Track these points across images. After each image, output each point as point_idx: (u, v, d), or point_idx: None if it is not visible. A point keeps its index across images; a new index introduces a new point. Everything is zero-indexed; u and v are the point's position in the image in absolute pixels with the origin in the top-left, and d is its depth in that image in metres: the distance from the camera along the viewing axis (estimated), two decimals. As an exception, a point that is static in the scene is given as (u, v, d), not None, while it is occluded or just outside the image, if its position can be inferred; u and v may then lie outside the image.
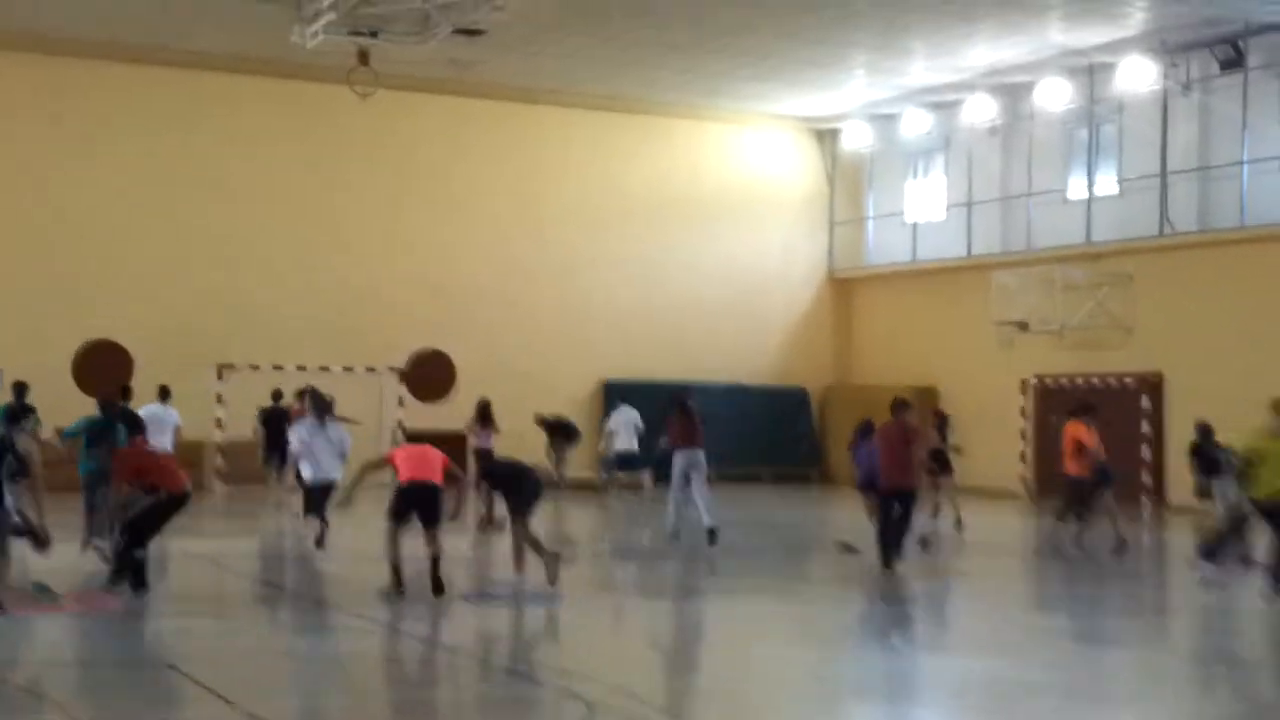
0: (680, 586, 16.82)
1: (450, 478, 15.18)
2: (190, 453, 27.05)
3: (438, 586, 14.37)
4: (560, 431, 28.18)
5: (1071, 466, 19.14)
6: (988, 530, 23.07)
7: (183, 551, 18.56)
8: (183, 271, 29.33)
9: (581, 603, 14.61)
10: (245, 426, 25.32)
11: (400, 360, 28.82)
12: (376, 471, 15.37)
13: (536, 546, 15.41)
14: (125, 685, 10.78)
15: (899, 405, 17.60)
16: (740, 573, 17.83)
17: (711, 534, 19.29)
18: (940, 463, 21.41)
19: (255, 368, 27.96)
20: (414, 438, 16.46)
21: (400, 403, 29.18)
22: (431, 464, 15.00)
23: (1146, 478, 27.71)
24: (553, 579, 14.92)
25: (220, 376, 27.80)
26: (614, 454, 27.29)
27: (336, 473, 18.29)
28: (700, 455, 20.01)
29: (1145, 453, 27.85)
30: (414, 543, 14.55)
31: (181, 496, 14.58)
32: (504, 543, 16.75)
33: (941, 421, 22.78)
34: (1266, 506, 15.01)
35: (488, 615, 14.01)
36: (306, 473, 18.41)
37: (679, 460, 19.90)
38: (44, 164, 28.62)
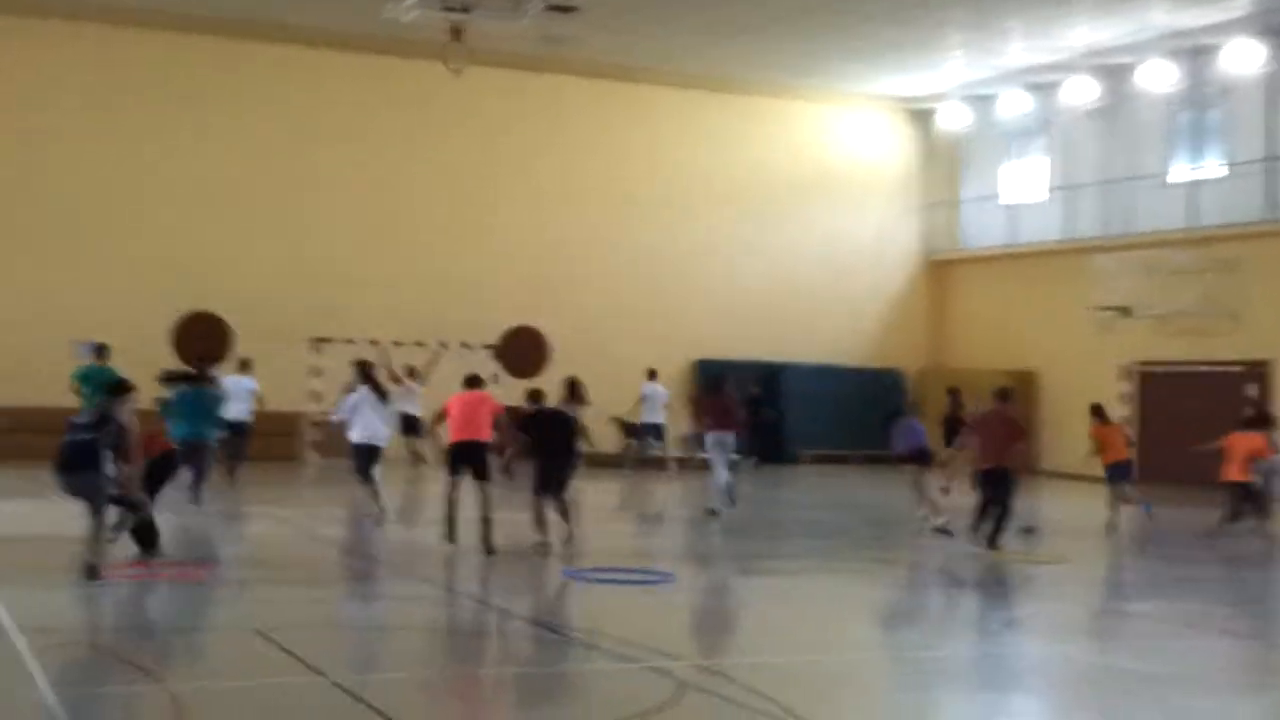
0: (767, 564, 16.61)
1: (500, 427, 15.63)
2: (285, 425, 27.41)
3: (488, 548, 14.95)
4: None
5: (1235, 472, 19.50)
6: (1086, 516, 22.61)
7: (274, 518, 18.66)
8: (279, 245, 29.54)
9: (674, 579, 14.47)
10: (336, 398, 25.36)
11: (494, 337, 28.80)
12: (441, 423, 16.07)
13: (565, 513, 15.96)
14: (213, 652, 10.81)
15: (1003, 393, 18.10)
16: (834, 554, 17.60)
17: (710, 513, 19.97)
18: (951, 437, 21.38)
19: (350, 342, 28.04)
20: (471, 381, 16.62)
21: (495, 379, 29.11)
22: (480, 419, 15.57)
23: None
24: (567, 541, 15.71)
25: (316, 350, 27.97)
26: (641, 423, 28.32)
27: (381, 438, 18.48)
28: (730, 438, 20.53)
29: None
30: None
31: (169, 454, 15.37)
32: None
33: (955, 398, 23.20)
34: None
35: (580, 590, 13.89)
36: (354, 434, 18.40)
37: (711, 440, 20.46)
38: (142, 137, 28.91)
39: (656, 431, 28.57)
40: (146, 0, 27.65)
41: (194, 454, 17.95)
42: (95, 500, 12.88)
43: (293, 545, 16.88)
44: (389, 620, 12.29)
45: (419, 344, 28.58)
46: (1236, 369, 27.70)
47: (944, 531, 18.35)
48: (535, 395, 16.76)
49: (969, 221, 35.09)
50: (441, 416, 16.31)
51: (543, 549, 15.45)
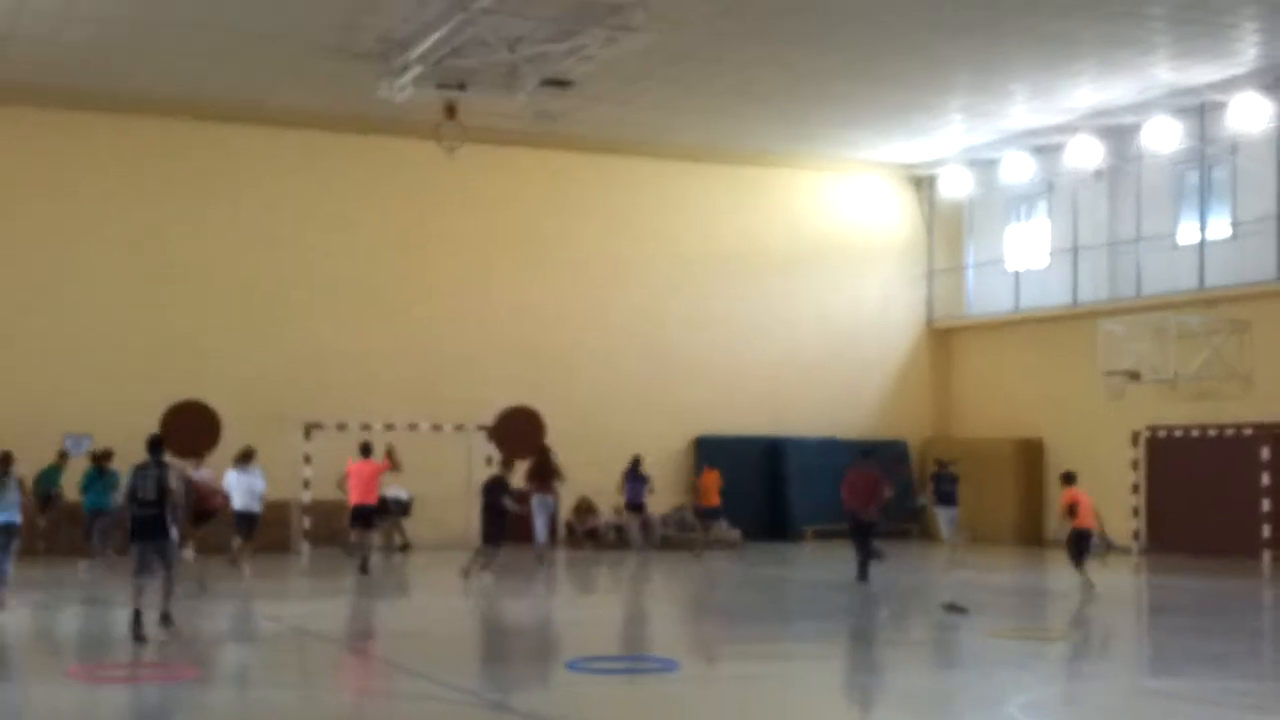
0: (772, 647, 16.02)
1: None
2: (276, 513, 26.80)
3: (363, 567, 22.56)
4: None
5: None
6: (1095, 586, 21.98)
7: (265, 615, 18.07)
8: (269, 330, 29.07)
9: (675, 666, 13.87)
10: (331, 487, 24.86)
11: (489, 417, 28.27)
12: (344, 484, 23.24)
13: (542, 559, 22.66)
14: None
15: (865, 453, 23.44)
16: (842, 636, 17.01)
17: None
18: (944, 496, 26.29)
19: (342, 427, 27.57)
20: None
21: (488, 461, 28.63)
22: (373, 484, 23.00)
23: (1267, 530, 26.51)
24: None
25: (307, 436, 27.40)
26: (703, 508, 28.55)
27: (255, 506, 22.41)
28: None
29: (1265, 505, 26.64)
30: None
31: None
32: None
33: (941, 466, 26.94)
34: None
35: (581, 682, 13.27)
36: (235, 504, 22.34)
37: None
38: (130, 224, 28.53)
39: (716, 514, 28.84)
40: (135, 86, 27.26)
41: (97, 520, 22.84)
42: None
43: (280, 640, 16.27)
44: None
45: (412, 426, 28.17)
46: (1248, 432, 27.13)
47: (959, 609, 17.79)
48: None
49: (973, 288, 34.65)
50: (345, 479, 23.14)
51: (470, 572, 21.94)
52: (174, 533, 15.74)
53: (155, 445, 16.18)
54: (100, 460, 23.40)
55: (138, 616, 15.05)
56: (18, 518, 18.13)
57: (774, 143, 32.05)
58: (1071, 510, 21.28)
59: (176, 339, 28.34)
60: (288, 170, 29.62)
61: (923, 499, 28.56)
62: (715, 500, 27.93)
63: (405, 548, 27.72)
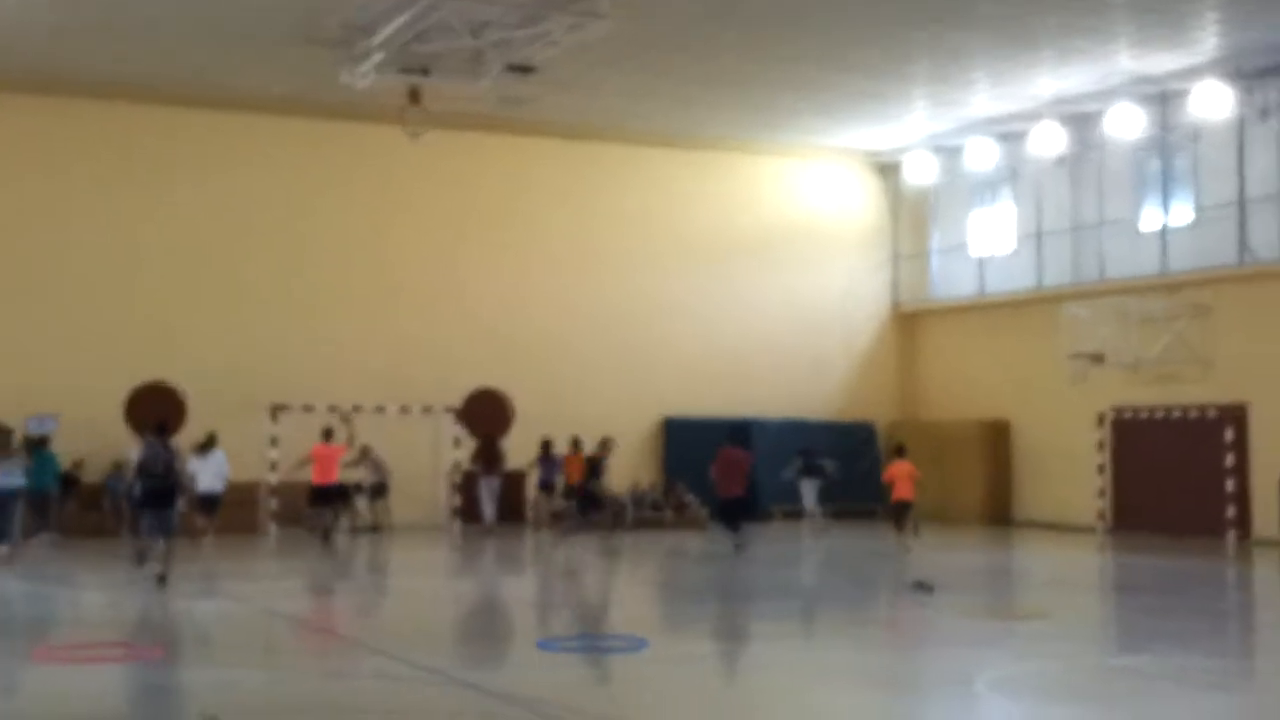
0: (738, 630, 16.09)
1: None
2: (244, 494, 26.79)
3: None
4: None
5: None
6: (1061, 567, 22.20)
7: (232, 596, 18.05)
8: (235, 313, 28.95)
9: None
10: (297, 468, 25.03)
11: (457, 400, 28.29)
12: (306, 465, 24.69)
13: None
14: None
15: (733, 433, 24.93)
16: (810, 616, 17.10)
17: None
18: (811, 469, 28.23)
19: (309, 409, 27.52)
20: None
21: (456, 443, 28.71)
22: (334, 466, 24.61)
23: (1231, 510, 26.79)
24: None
25: (274, 418, 27.34)
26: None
27: (218, 486, 24.15)
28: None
29: (1229, 485, 26.91)
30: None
31: None
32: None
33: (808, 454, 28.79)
34: None
35: (552, 661, 13.32)
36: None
37: None
38: (94, 208, 28.35)
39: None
40: (98, 71, 27.09)
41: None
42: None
43: (248, 621, 16.27)
44: (346, 701, 11.66)
45: (379, 409, 28.19)
46: (1212, 414, 27.39)
47: (926, 588, 17.93)
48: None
49: (938, 273, 34.82)
50: (307, 461, 24.55)
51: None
52: (179, 503, 18.70)
53: (161, 428, 19.22)
54: (39, 444, 24.19)
55: (141, 556, 18.92)
56: (20, 482, 21.23)
57: (740, 129, 32.10)
58: (892, 483, 24.05)
59: (143, 322, 28.20)
60: (252, 156, 29.47)
61: (788, 472, 29.38)
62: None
63: (375, 529, 27.68)
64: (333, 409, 27.32)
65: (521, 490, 29.28)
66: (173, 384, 25.31)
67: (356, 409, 27.64)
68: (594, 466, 25.28)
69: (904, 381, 35.07)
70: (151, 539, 18.64)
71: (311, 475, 24.75)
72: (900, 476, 24.16)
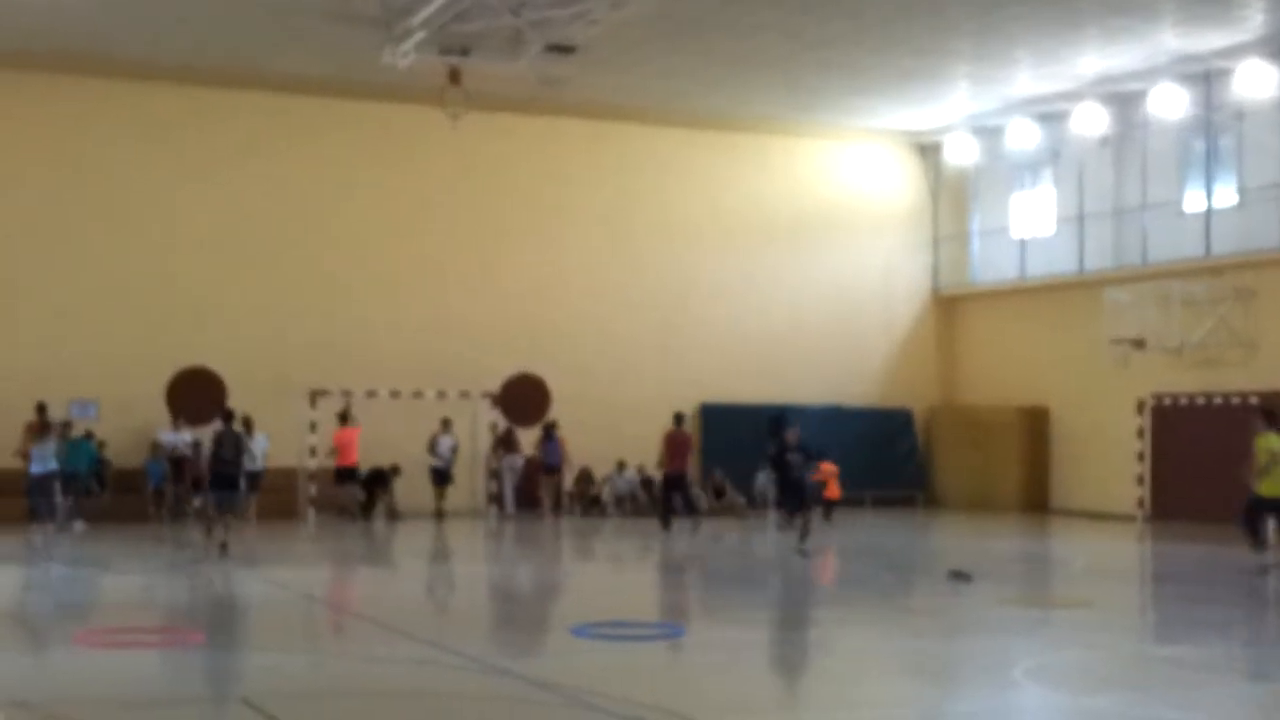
0: (774, 618, 16.03)
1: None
2: (283, 480, 26.90)
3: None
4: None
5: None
6: (1100, 555, 22.04)
7: (271, 580, 18.12)
8: (275, 297, 29.03)
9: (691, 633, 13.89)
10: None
11: (494, 384, 28.28)
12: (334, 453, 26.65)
13: None
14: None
15: (678, 419, 25.44)
16: (849, 603, 17.02)
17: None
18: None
19: (348, 394, 27.58)
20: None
21: (493, 427, 28.74)
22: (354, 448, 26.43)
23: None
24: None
25: (313, 404, 27.41)
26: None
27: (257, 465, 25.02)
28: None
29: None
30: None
31: None
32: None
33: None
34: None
35: (587, 648, 13.29)
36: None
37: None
38: (136, 190, 28.47)
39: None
40: (136, 52, 27.18)
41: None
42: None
43: (286, 606, 16.32)
44: (383, 685, 11.68)
45: (417, 394, 28.23)
46: (1253, 400, 27.08)
47: (964, 577, 17.85)
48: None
49: (979, 256, 34.57)
50: (333, 450, 26.65)
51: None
52: (243, 484, 21.44)
53: (229, 415, 21.18)
54: (64, 430, 24.46)
55: (209, 530, 20.79)
56: (55, 465, 22.21)
57: (779, 110, 31.92)
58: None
59: (181, 306, 28.30)
60: (291, 137, 29.51)
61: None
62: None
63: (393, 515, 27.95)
64: (370, 394, 27.53)
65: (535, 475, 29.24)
66: (212, 369, 25.36)
67: (394, 395, 27.82)
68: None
69: (943, 367, 34.85)
70: (219, 514, 20.66)
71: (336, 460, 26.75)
72: (829, 476, 26.24)
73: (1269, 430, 19.42)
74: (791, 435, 22.16)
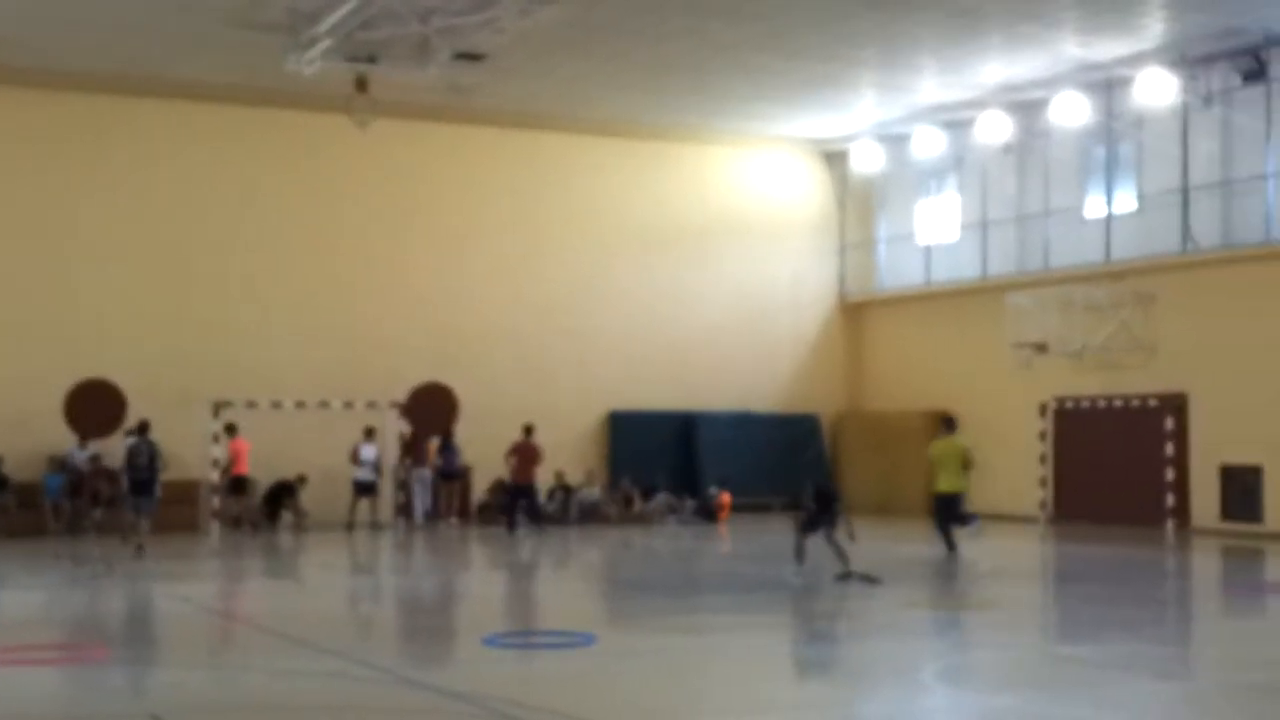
0: (679, 623, 16.05)
1: None
2: (185, 492, 26.50)
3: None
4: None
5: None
6: (1004, 557, 22.29)
7: (175, 595, 17.85)
8: (177, 307, 28.61)
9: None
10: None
11: (402, 394, 28.08)
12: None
13: None
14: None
15: (527, 430, 27.06)
16: (756, 608, 17.08)
17: None
18: None
19: (253, 405, 27.26)
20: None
21: (401, 437, 28.52)
22: (244, 458, 27.14)
23: (1170, 499, 26.99)
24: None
25: (216, 415, 27.03)
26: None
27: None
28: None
29: (1169, 474, 27.11)
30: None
31: None
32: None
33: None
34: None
35: (498, 658, 13.22)
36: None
37: None
38: (33, 200, 27.95)
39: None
40: (36, 59, 26.71)
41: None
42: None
43: (191, 620, 16.08)
44: (295, 700, 11.52)
45: (323, 404, 27.95)
46: (1153, 403, 27.58)
47: (871, 580, 17.93)
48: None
49: (885, 262, 34.89)
50: (231, 460, 27.06)
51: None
52: (158, 490, 22.61)
53: (145, 427, 22.62)
54: None
55: (125, 536, 22.76)
56: None
57: (688, 117, 32.03)
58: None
59: (81, 318, 27.82)
60: (195, 144, 29.13)
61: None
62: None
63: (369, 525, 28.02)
64: (276, 405, 27.35)
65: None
66: (111, 382, 24.90)
67: (300, 405, 27.58)
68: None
69: (850, 372, 35.12)
70: (136, 519, 22.32)
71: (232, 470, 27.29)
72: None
73: (948, 435, 22.32)
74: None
